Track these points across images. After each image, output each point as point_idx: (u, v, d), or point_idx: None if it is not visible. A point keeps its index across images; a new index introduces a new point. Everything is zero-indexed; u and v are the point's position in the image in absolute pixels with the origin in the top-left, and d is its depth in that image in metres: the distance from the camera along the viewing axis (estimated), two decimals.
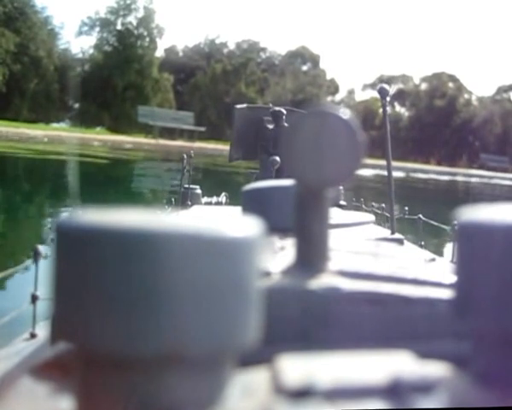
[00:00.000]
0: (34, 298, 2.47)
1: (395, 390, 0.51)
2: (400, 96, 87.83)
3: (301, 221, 0.90)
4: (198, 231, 0.46)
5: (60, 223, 0.48)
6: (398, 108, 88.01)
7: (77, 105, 67.38)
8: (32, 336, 2.02)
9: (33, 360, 0.87)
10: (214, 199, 7.40)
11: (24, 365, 0.92)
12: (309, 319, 0.81)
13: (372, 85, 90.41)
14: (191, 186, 6.74)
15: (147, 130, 64.34)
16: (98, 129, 67.69)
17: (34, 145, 36.30)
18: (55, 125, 64.76)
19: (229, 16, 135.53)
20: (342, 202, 5.40)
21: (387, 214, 4.20)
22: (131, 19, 71.13)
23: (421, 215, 5.35)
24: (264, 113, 6.05)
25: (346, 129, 0.85)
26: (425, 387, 0.51)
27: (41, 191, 17.24)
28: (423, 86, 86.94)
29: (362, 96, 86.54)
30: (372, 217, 2.51)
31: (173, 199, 6.91)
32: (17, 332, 2.07)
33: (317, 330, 0.80)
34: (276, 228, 1.13)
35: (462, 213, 0.57)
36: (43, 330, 2.00)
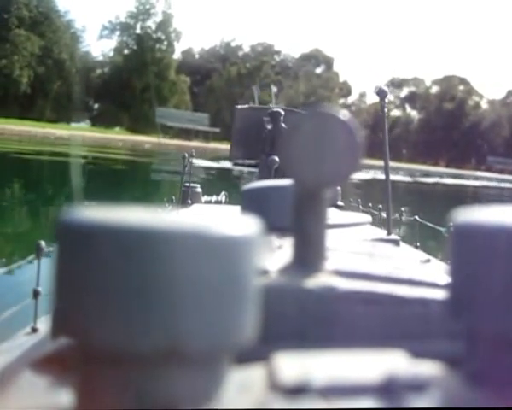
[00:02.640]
0: (36, 293, 2.53)
1: (389, 389, 0.51)
2: (412, 98, 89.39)
3: (299, 221, 0.91)
4: (196, 230, 0.47)
5: (60, 219, 0.49)
6: (409, 110, 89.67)
7: (96, 106, 70.22)
8: (34, 330, 2.08)
9: (34, 354, 0.88)
10: (214, 198, 7.51)
11: (24, 359, 0.93)
12: (305, 318, 0.82)
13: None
14: (192, 185, 6.82)
15: (164, 130, 66.78)
16: (117, 129, 70.27)
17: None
18: (74, 124, 67.36)
19: (245, 19, 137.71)
20: (340, 203, 5.25)
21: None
22: (150, 23, 73.87)
23: (417, 217, 5.47)
24: (265, 113, 6.18)
25: (345, 130, 0.86)
26: (418, 386, 0.52)
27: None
28: (434, 89, 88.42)
29: (374, 98, 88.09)
30: (369, 217, 2.54)
31: (173, 197, 6.97)
32: (19, 327, 2.12)
33: (313, 329, 0.81)
34: (275, 227, 1.15)
35: (457, 215, 0.58)
36: (44, 325, 2.03)
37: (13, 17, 63.38)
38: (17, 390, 0.64)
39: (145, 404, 0.47)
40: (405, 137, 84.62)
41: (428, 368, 0.57)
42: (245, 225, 0.50)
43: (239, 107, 6.38)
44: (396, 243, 2.02)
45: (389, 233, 2.60)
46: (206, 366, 0.49)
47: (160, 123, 63.78)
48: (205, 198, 7.18)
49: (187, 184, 6.78)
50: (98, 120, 68.79)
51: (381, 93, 2.78)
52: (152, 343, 0.45)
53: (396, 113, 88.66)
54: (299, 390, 0.51)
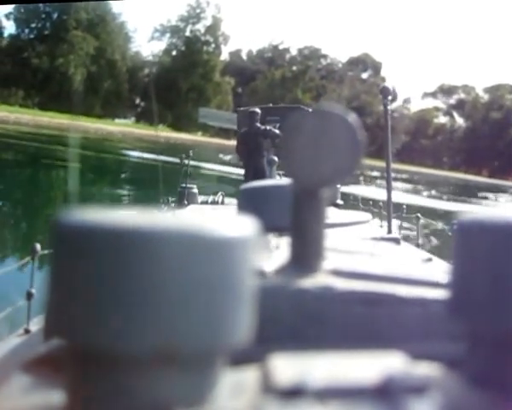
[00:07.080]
0: (29, 295, 2.59)
1: (387, 391, 0.50)
2: (460, 106, 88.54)
3: (297, 220, 0.89)
4: (191, 230, 0.46)
5: (55, 221, 0.48)
6: (456, 118, 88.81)
7: (142, 104, 73.74)
8: (27, 332, 2.11)
9: (26, 355, 0.86)
10: (211, 198, 7.41)
11: (17, 360, 0.90)
12: (303, 319, 0.80)
13: (433, 94, 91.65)
14: (188, 185, 6.88)
15: (204, 128, 69.54)
16: (160, 126, 73.58)
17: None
18: (118, 120, 70.89)
19: (294, 23, 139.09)
20: (339, 201, 5.34)
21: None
22: (200, 26, 76.86)
23: (418, 214, 5.53)
24: (266, 113, 6.30)
25: (345, 127, 0.83)
26: (417, 388, 0.51)
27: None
28: (485, 97, 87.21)
29: (422, 104, 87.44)
30: (369, 216, 2.57)
31: (169, 198, 7.00)
32: (13, 328, 2.18)
33: (310, 330, 0.80)
34: (273, 227, 1.14)
35: (461, 215, 0.57)
36: (37, 327, 2.05)
37: (71, 19, 67.81)
38: (9, 391, 0.63)
39: (137, 406, 0.46)
40: (448, 144, 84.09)
41: (428, 370, 0.56)
42: (240, 226, 0.49)
43: (240, 108, 6.76)
44: (397, 241, 1.99)
45: (390, 232, 2.64)
46: (199, 368, 0.48)
47: (201, 122, 66.25)
48: (201, 198, 7.25)
49: (183, 185, 6.89)
50: (142, 117, 72.34)
51: (384, 92, 2.73)
52: (145, 345, 0.45)
53: (442, 120, 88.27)
54: (294, 392, 0.50)
